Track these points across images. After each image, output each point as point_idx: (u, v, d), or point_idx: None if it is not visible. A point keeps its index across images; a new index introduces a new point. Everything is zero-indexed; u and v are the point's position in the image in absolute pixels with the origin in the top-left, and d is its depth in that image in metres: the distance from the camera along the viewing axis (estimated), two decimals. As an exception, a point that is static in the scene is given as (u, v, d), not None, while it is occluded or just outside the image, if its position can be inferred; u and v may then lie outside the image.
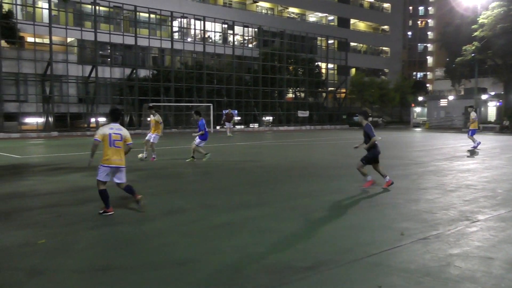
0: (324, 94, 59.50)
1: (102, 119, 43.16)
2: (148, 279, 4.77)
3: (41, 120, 39.48)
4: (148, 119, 16.28)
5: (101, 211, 7.85)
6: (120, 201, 9.01)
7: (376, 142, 10.03)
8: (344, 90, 60.31)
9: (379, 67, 73.08)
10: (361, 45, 71.72)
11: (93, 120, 41.35)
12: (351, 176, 12.26)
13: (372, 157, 10.10)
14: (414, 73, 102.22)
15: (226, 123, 35.63)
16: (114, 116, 7.98)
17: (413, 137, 33.46)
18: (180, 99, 43.10)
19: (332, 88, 60.27)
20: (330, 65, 60.01)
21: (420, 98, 62.53)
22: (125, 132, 7.90)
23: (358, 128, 51.87)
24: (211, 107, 40.83)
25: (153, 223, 7.25)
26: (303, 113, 52.25)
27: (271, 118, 52.26)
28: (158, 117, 16.03)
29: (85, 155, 19.03)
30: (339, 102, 60.53)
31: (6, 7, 36.47)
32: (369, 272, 4.93)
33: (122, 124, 33.82)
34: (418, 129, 48.24)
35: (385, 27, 75.63)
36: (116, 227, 6.93)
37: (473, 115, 21.45)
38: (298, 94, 56.21)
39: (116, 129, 7.79)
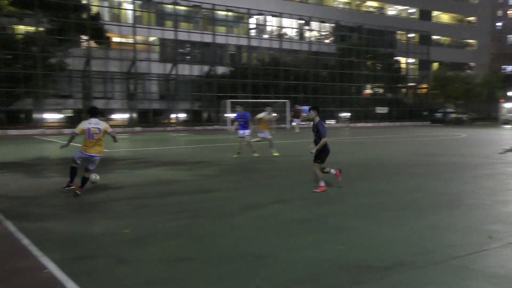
0: (403, 90, 57.61)
1: (182, 115, 44.60)
2: (225, 272, 4.85)
3: (125, 116, 41.53)
4: (259, 116, 16.55)
5: (65, 186, 9.12)
6: (198, 195, 9.26)
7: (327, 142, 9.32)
8: (426, 85, 58.00)
9: (464, 61, 69.47)
10: (444, 38, 68.50)
11: (173, 116, 42.85)
12: (433, 175, 11.78)
13: (325, 156, 9.35)
14: (504, 66, 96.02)
15: (295, 120, 34.84)
16: (92, 112, 9.15)
17: (502, 135, 31.48)
18: (257, 95, 43.55)
19: (413, 84, 58.18)
20: (411, 60, 57.99)
21: (511, 93, 58.66)
22: (103, 125, 9.07)
23: (441, 125, 49.69)
24: (287, 103, 40.87)
25: (230, 217, 7.37)
26: (381, 109, 50.92)
27: (348, 114, 51.42)
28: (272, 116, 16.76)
29: (168, 149, 19.77)
30: (420, 98, 58.33)
31: (94, 10, 38.68)
32: (452, 276, 4.70)
33: (198, 120, 34.41)
34: (507, 126, 45.32)
35: (471, 18, 71.72)
36: (195, 220, 7.12)
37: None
38: (376, 90, 54.84)
39: (94, 124, 8.93)
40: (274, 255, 5.40)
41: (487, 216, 7.28)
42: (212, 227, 6.72)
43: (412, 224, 6.79)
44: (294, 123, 35.25)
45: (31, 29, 36.61)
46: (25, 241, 5.94)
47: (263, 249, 5.64)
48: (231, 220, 7.15)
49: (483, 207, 7.91)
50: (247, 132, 15.84)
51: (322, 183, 9.29)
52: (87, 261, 5.25)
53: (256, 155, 15.75)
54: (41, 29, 36.09)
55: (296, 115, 34.77)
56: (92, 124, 8.94)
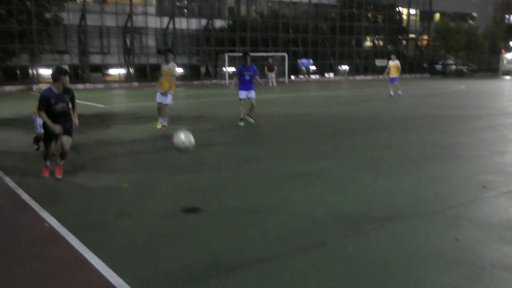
0: (404, 42, 56.77)
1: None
2: (226, 224, 4.95)
3: (123, 71, 41.16)
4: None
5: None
6: (198, 149, 9.32)
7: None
8: (427, 37, 57.11)
9: (467, 11, 67.99)
10: (448, -13, 66.81)
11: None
12: (432, 127, 11.82)
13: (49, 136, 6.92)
14: (507, 16, 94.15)
15: (269, 74, 31.66)
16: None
17: (502, 86, 31.33)
18: (256, 49, 42.97)
19: (413, 35, 57.26)
20: (412, 11, 56.78)
21: (513, 44, 57.82)
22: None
23: (441, 77, 49.31)
24: (286, 57, 40.39)
25: (230, 171, 7.45)
26: (381, 62, 50.36)
27: (347, 67, 50.90)
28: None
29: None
30: (421, 50, 57.58)
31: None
32: (447, 225, 4.80)
33: (196, 74, 33.34)
34: (507, 77, 45.03)
35: (476, -34, 69.71)
36: (195, 175, 7.20)
37: (391, 62, 21.49)
38: (377, 42, 54.10)
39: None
40: (274, 208, 5.50)
41: (483, 166, 7.36)
42: (212, 181, 6.80)
43: (410, 176, 6.88)
44: (268, 77, 32.33)
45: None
46: (25, 196, 6.01)
47: (265, 202, 5.73)
48: (231, 174, 7.22)
49: (480, 158, 7.99)
50: (253, 93, 12.45)
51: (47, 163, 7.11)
52: (87, 215, 5.34)
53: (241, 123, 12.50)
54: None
55: (269, 68, 32.02)
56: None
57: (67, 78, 6.73)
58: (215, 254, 4.15)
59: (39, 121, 7.83)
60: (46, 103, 6.56)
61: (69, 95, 6.80)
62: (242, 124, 12.35)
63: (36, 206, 5.58)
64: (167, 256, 4.11)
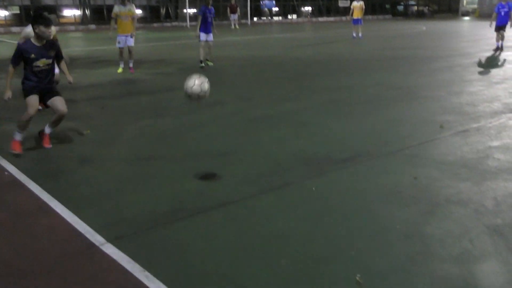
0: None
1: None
2: (190, 168, 4.96)
3: (78, 12, 39.40)
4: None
5: None
6: (160, 94, 9.17)
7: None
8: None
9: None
10: None
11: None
12: (392, 69, 11.97)
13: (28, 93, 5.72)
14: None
15: (231, 15, 31.26)
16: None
17: (461, 27, 31.74)
18: (216, -11, 41.75)
19: (376, -25, 56.70)
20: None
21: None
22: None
23: (403, 18, 49.41)
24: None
25: (193, 115, 7.39)
26: (344, 3, 49.93)
27: (310, 8, 50.25)
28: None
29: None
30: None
31: None
32: (405, 164, 4.97)
33: (156, 16, 32.48)
34: (466, 18, 45.56)
35: None
36: (157, 120, 7.12)
37: (355, 3, 21.67)
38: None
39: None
40: (239, 151, 5.54)
41: (441, 107, 7.57)
42: (175, 126, 6.75)
43: (371, 117, 7.01)
44: (231, 19, 31.48)
45: None
46: (-18, 145, 5.83)
47: (228, 145, 5.76)
48: (194, 118, 7.18)
49: (438, 99, 8.19)
50: (211, 35, 12.60)
51: (18, 137, 5.55)
52: (49, 163, 5.25)
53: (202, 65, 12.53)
54: None
55: (232, 10, 31.18)
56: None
57: (49, 29, 5.36)
58: (180, 198, 4.19)
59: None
60: (20, 57, 5.37)
61: (54, 49, 5.61)
62: (203, 65, 12.25)
63: (-7, 155, 5.44)
64: (131, 201, 4.12)
